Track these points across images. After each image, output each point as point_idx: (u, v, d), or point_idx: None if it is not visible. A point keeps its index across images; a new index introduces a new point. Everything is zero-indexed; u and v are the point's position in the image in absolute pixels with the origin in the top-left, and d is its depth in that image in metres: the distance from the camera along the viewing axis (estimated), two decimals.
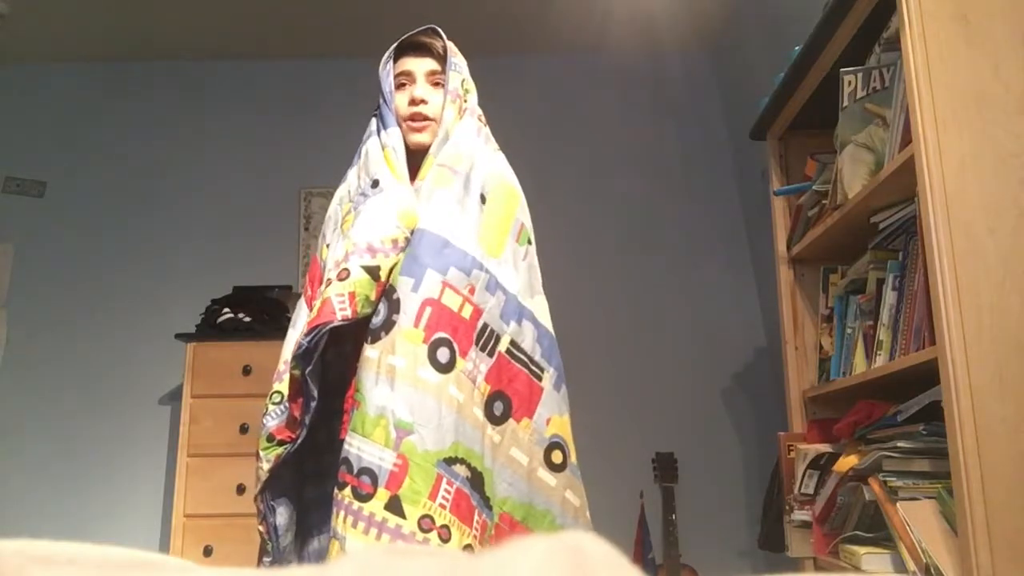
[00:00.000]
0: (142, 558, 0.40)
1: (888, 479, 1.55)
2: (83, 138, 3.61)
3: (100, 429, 3.30)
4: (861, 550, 1.65)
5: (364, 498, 1.33)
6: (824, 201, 2.01)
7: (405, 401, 1.37)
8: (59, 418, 3.31)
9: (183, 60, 3.66)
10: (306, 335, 1.40)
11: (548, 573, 0.33)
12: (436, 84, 1.63)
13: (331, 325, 1.39)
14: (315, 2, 3.28)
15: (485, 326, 1.47)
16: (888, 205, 1.73)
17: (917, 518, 1.47)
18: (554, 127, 3.59)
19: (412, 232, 1.48)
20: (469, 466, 1.39)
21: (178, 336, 3.02)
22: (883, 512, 1.57)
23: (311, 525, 1.54)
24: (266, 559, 1.49)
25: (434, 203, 1.51)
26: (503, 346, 1.49)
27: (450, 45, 1.65)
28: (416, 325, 1.41)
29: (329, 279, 1.46)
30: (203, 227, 3.52)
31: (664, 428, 3.26)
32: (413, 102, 1.59)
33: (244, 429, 2.82)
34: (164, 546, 3.07)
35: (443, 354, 1.41)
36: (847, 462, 1.70)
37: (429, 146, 1.59)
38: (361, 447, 1.36)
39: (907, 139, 1.52)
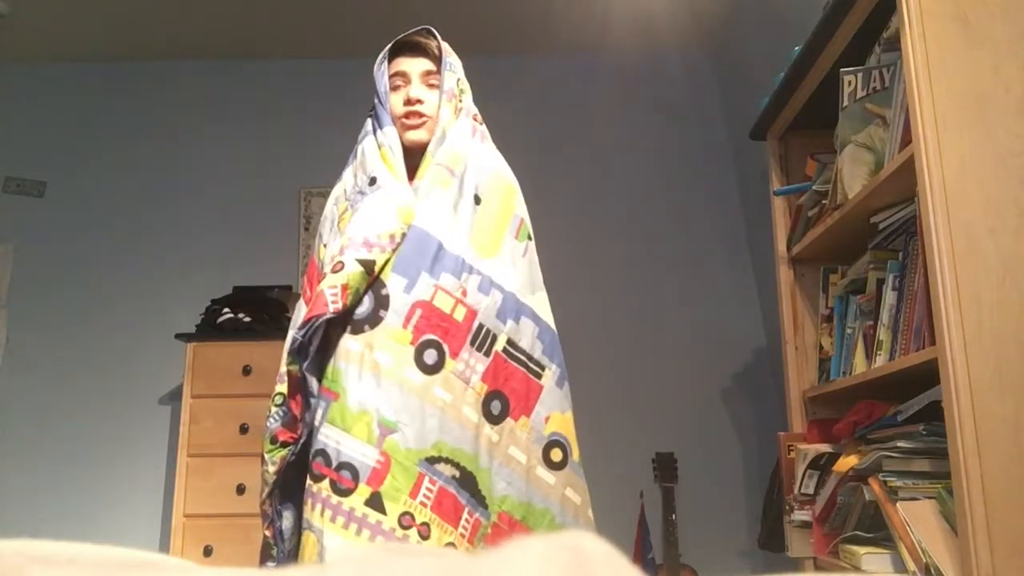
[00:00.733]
0: (142, 558, 0.40)
1: (888, 479, 1.55)
2: (83, 138, 3.61)
3: (100, 429, 3.30)
4: (861, 550, 1.65)
5: (344, 493, 1.33)
6: (824, 201, 2.00)
7: (390, 400, 1.37)
8: (59, 418, 3.30)
9: (183, 60, 3.66)
10: (299, 328, 1.41)
11: (548, 573, 0.33)
12: (431, 84, 1.63)
13: (324, 318, 1.39)
14: (315, 2, 3.28)
15: (481, 326, 1.47)
16: (888, 205, 1.73)
17: (917, 518, 1.47)
18: (554, 127, 3.59)
19: (408, 228, 1.48)
20: (456, 465, 1.39)
21: (178, 336, 3.02)
22: (883, 512, 1.57)
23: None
24: (270, 564, 1.48)
25: (431, 203, 1.51)
26: (499, 345, 1.49)
27: (445, 45, 1.65)
28: (405, 326, 1.41)
29: (324, 273, 1.47)
30: (203, 227, 3.52)
31: (664, 428, 3.26)
32: (408, 102, 1.60)
33: (244, 429, 2.82)
34: (164, 546, 3.07)
35: (430, 356, 1.42)
36: (847, 462, 1.70)
37: (426, 144, 1.59)
38: (340, 440, 1.36)
39: (907, 139, 1.52)
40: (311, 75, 3.66)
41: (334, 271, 1.42)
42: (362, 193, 1.53)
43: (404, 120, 1.60)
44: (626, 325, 3.40)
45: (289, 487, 1.49)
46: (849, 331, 1.94)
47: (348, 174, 1.64)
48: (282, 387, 1.50)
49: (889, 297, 1.69)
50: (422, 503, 1.35)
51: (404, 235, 1.47)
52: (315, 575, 0.36)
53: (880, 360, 1.70)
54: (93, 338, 3.39)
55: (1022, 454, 1.29)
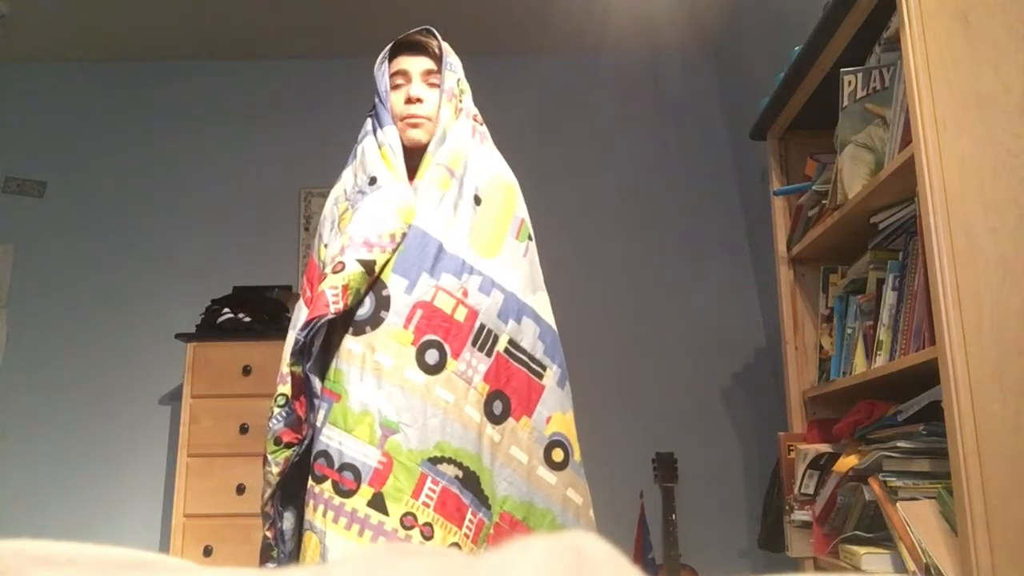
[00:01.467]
0: (142, 558, 0.40)
1: (888, 479, 1.55)
2: (83, 138, 3.61)
3: (100, 429, 3.30)
4: (861, 550, 1.65)
5: (346, 494, 1.33)
6: (824, 201, 2.00)
7: (391, 401, 1.37)
8: (59, 418, 3.30)
9: (183, 60, 3.66)
10: (301, 330, 1.41)
11: (548, 573, 0.33)
12: (432, 84, 1.63)
13: (326, 318, 1.39)
14: (315, 2, 3.28)
15: (482, 327, 1.47)
16: (888, 205, 1.73)
17: (917, 518, 1.47)
18: (554, 127, 3.59)
19: (409, 228, 1.48)
20: (460, 465, 1.39)
21: (178, 336, 3.02)
22: (883, 512, 1.57)
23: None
24: (270, 565, 1.48)
25: (431, 203, 1.51)
26: (501, 345, 1.50)
27: (445, 45, 1.65)
28: (406, 327, 1.41)
29: (325, 273, 1.46)
30: (203, 227, 3.52)
31: (664, 428, 3.26)
32: (409, 101, 1.59)
33: (244, 429, 2.82)
34: (164, 546, 3.07)
35: (432, 356, 1.41)
36: (847, 462, 1.70)
37: (426, 144, 1.59)
38: (343, 441, 1.36)
39: (907, 139, 1.52)
40: (311, 75, 3.66)
41: (335, 271, 1.42)
42: (362, 193, 1.53)
43: (405, 120, 1.60)
44: (626, 325, 3.40)
45: (290, 488, 1.49)
46: (849, 331, 1.94)
47: (348, 174, 1.63)
48: (284, 388, 1.50)
49: (889, 297, 1.69)
50: (424, 503, 1.35)
51: (404, 234, 1.47)
52: (316, 575, 0.36)
53: (880, 360, 1.70)
54: (93, 338, 3.39)
55: (1022, 454, 1.29)
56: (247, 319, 2.97)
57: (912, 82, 1.44)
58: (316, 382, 1.42)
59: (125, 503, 3.24)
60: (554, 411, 1.52)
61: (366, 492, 1.33)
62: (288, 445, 1.47)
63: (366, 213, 1.48)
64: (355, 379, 1.38)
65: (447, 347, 1.43)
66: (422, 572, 0.34)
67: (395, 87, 1.63)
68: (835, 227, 1.92)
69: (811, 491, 1.93)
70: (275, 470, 1.46)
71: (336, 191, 1.65)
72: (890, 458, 1.56)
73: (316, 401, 1.42)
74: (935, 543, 1.42)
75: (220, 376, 2.88)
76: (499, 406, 1.47)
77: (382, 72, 1.64)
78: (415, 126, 1.60)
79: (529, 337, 1.54)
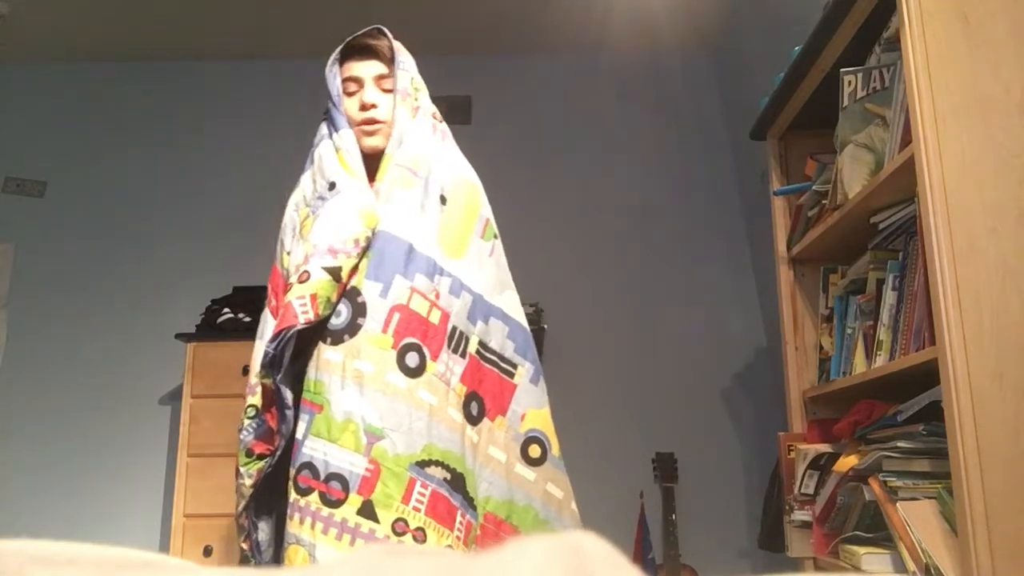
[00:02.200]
0: (142, 558, 0.40)
1: (888, 479, 1.55)
2: (83, 138, 3.61)
3: (100, 429, 3.30)
4: (861, 550, 1.65)
5: (335, 504, 1.32)
6: (824, 201, 2.00)
7: (375, 407, 1.36)
8: (59, 418, 3.30)
9: (183, 60, 3.66)
10: (271, 342, 1.39)
11: (548, 573, 0.33)
12: (385, 89, 1.61)
13: (295, 329, 1.38)
14: (315, 2, 3.28)
15: (455, 329, 1.47)
16: (888, 205, 1.73)
17: (917, 518, 1.47)
18: (554, 127, 3.59)
19: (374, 232, 1.46)
20: (447, 467, 1.38)
21: (178, 336, 3.02)
22: (883, 512, 1.57)
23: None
24: None
25: (396, 205, 1.49)
26: (472, 347, 1.49)
27: (397, 44, 1.62)
28: (385, 331, 1.40)
29: (291, 283, 1.44)
30: (203, 227, 3.52)
31: (664, 428, 3.26)
32: (364, 107, 1.58)
33: None
34: (164, 546, 3.07)
35: (412, 359, 1.40)
36: (847, 462, 1.70)
37: (383, 149, 1.57)
38: (328, 452, 1.34)
39: (907, 139, 1.52)
40: (311, 75, 3.64)
41: (301, 281, 1.41)
42: (322, 199, 1.51)
43: (361, 127, 1.58)
44: (626, 325, 3.40)
45: (263, 499, 1.48)
46: (849, 331, 1.94)
47: (306, 179, 1.61)
48: (253, 399, 1.48)
49: (889, 297, 1.69)
50: (415, 508, 1.34)
51: (368, 239, 1.45)
52: (315, 575, 0.36)
53: (880, 360, 1.70)
54: (93, 338, 3.39)
55: (1022, 454, 1.29)
56: (247, 319, 2.97)
57: (912, 82, 1.44)
58: (287, 393, 1.40)
59: (125, 503, 3.24)
60: (528, 408, 1.52)
61: (355, 501, 1.32)
62: (260, 456, 1.46)
63: (328, 220, 1.46)
64: (336, 388, 1.37)
65: (426, 349, 1.42)
66: (420, 573, 0.34)
67: (348, 93, 1.61)
68: (835, 227, 1.92)
69: (811, 491, 1.93)
70: (248, 482, 1.45)
71: (295, 197, 1.63)
72: (890, 458, 1.56)
73: (287, 412, 1.41)
74: (935, 543, 1.42)
75: (220, 376, 2.88)
76: (475, 407, 1.47)
77: (333, 75, 1.62)
78: (372, 133, 1.58)
79: (498, 337, 1.53)
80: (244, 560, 1.48)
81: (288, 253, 1.58)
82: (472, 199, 1.59)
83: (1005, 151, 1.39)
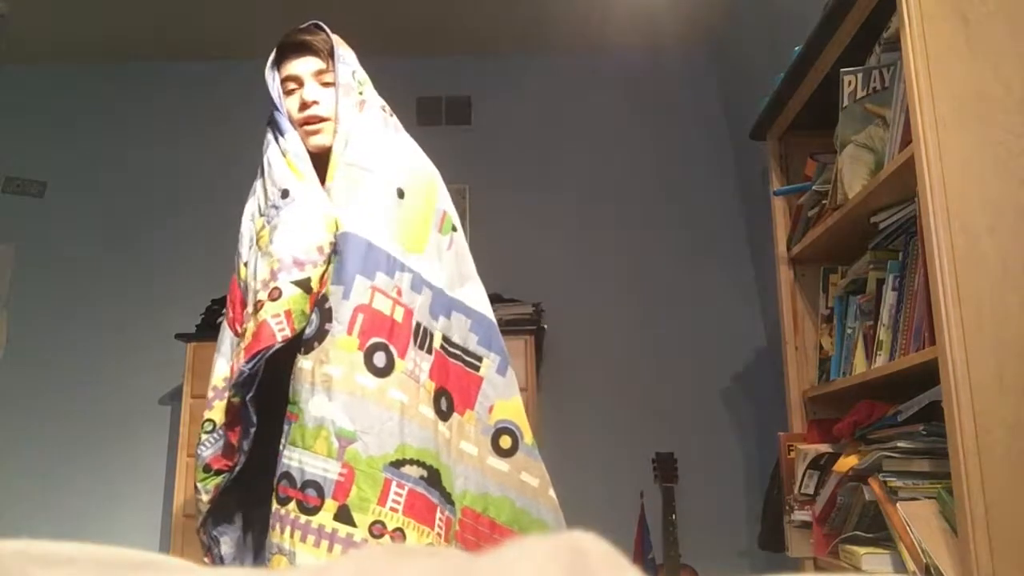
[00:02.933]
0: (142, 558, 0.40)
1: (888, 479, 1.55)
2: (83, 138, 3.61)
3: (100, 429, 3.30)
4: (861, 550, 1.65)
5: (311, 511, 1.31)
6: (824, 201, 2.00)
7: (344, 409, 1.34)
8: (59, 418, 3.30)
9: (183, 60, 3.66)
10: (247, 361, 1.37)
11: (548, 573, 0.33)
12: (325, 83, 1.57)
13: (274, 348, 1.36)
14: (314, 2, 3.28)
15: (419, 325, 1.45)
16: (888, 205, 1.73)
17: (917, 518, 1.47)
18: (554, 127, 3.59)
19: (336, 236, 1.44)
20: (423, 465, 1.37)
21: (178, 336, 3.02)
22: (883, 512, 1.57)
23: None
24: None
25: (351, 204, 1.46)
26: (437, 342, 1.48)
27: (335, 38, 1.59)
28: (350, 333, 1.38)
29: (260, 300, 1.41)
30: (203, 227, 3.52)
31: (664, 428, 3.26)
32: (304, 105, 1.55)
33: None
34: (164, 546, 3.07)
35: (380, 358, 1.39)
36: (847, 462, 1.70)
37: (330, 147, 1.53)
38: (303, 459, 1.33)
39: (907, 139, 1.52)
40: None
41: (272, 299, 1.39)
42: (276, 207, 1.48)
43: (304, 127, 1.55)
44: (626, 325, 3.40)
45: (227, 512, 1.47)
46: (849, 331, 1.94)
47: (259, 188, 1.58)
48: (211, 414, 1.47)
49: (889, 297, 1.69)
50: (392, 509, 1.33)
51: (332, 244, 1.43)
52: (316, 574, 0.36)
53: (880, 360, 1.70)
54: (93, 338, 3.39)
55: (1022, 454, 1.29)
56: None
57: (912, 82, 1.44)
58: (253, 414, 1.39)
59: (125, 503, 3.24)
60: (496, 399, 1.51)
61: (331, 507, 1.31)
62: (218, 472, 1.44)
63: (287, 230, 1.44)
64: (306, 396, 1.36)
65: (393, 348, 1.40)
66: (421, 572, 0.34)
67: (288, 92, 1.57)
68: (835, 227, 1.92)
69: (811, 491, 1.93)
70: (205, 498, 1.44)
71: (250, 207, 1.60)
72: (890, 458, 1.56)
73: (251, 430, 1.39)
74: (935, 543, 1.42)
75: None
76: (444, 402, 1.46)
77: (272, 77, 1.59)
78: (316, 132, 1.55)
79: (461, 331, 1.52)
80: None
81: (245, 264, 1.55)
82: (429, 192, 1.56)
83: (1005, 151, 1.39)
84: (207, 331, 2.98)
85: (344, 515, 1.31)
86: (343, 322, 1.38)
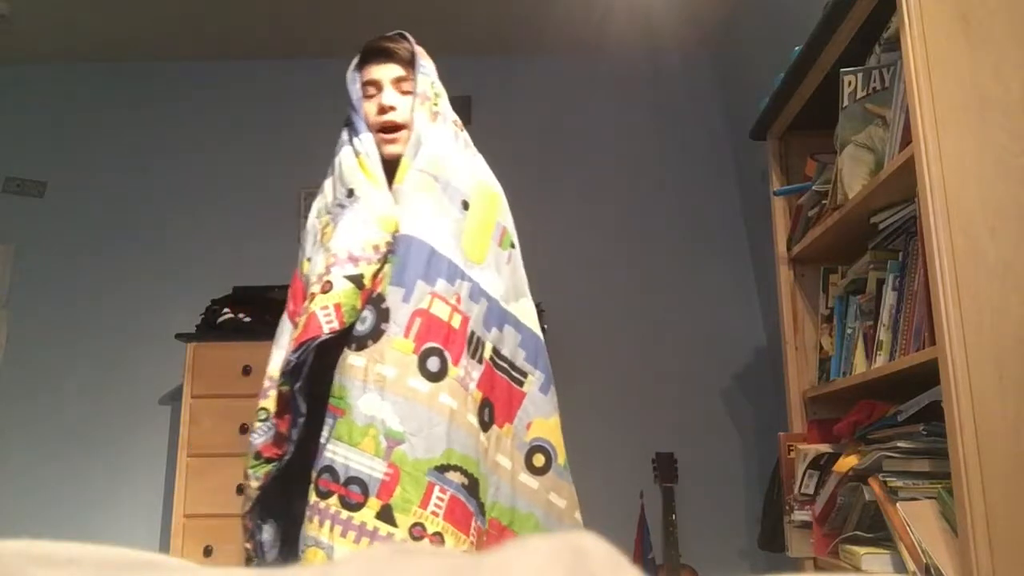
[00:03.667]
0: (142, 558, 0.40)
1: (888, 479, 1.55)
2: (83, 138, 3.61)
3: (100, 429, 3.30)
4: (861, 550, 1.65)
5: (354, 507, 1.32)
6: (824, 201, 2.01)
7: (396, 410, 1.36)
8: (59, 418, 3.30)
9: (182, 60, 3.66)
10: (294, 351, 1.40)
11: (549, 573, 0.33)
12: (404, 91, 1.60)
13: (320, 339, 1.38)
14: (314, 2, 3.28)
15: (473, 334, 1.48)
16: (888, 205, 1.73)
17: (917, 518, 1.47)
18: (554, 127, 3.59)
19: (394, 237, 1.47)
20: (465, 473, 1.39)
21: (178, 336, 3.02)
22: (883, 512, 1.57)
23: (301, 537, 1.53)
24: None
25: (416, 209, 1.49)
26: (487, 353, 1.50)
27: (418, 49, 1.62)
28: (407, 335, 1.40)
29: (313, 292, 1.44)
30: (203, 227, 3.52)
31: (664, 428, 3.26)
32: (382, 110, 1.57)
33: (244, 429, 2.81)
34: (164, 546, 3.07)
35: (433, 363, 1.41)
36: (847, 462, 1.70)
37: (402, 154, 1.57)
38: (348, 456, 1.35)
39: (907, 139, 1.52)
40: (311, 75, 3.65)
41: (324, 291, 1.41)
42: (341, 206, 1.52)
43: (381, 134, 1.58)
44: (626, 325, 3.40)
45: (269, 502, 1.48)
46: (849, 331, 1.94)
47: (328, 186, 1.62)
48: (266, 403, 1.49)
49: (889, 297, 1.69)
50: (433, 513, 1.34)
51: (389, 244, 1.46)
52: (318, 575, 0.36)
53: (880, 360, 1.70)
54: (93, 338, 3.39)
55: (1022, 454, 1.29)
56: (247, 319, 2.97)
57: (912, 82, 1.44)
58: (302, 403, 1.41)
59: (125, 503, 3.24)
60: (535, 417, 1.53)
61: (374, 505, 1.33)
62: (268, 460, 1.46)
63: (347, 227, 1.47)
64: (357, 393, 1.38)
65: (447, 354, 1.42)
66: (423, 572, 0.34)
67: (367, 97, 1.60)
68: (835, 227, 1.92)
69: (811, 491, 1.93)
70: (254, 484, 1.45)
71: (318, 204, 1.63)
72: (890, 458, 1.56)
73: (300, 420, 1.41)
74: (935, 543, 1.42)
75: (220, 376, 2.88)
76: (487, 413, 1.48)
77: (352, 80, 1.62)
78: (392, 141, 1.58)
79: (510, 345, 1.54)
80: (247, 561, 1.49)
81: (308, 259, 1.58)
82: (491, 207, 1.60)
83: (1005, 151, 1.39)
84: (207, 331, 2.98)
85: (386, 514, 1.32)
86: (400, 324, 1.41)
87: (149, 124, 3.63)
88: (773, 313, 2.70)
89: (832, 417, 1.98)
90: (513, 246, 1.62)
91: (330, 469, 1.35)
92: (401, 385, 1.38)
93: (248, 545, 1.48)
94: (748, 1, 3.09)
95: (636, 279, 3.45)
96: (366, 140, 1.57)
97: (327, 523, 1.33)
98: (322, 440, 1.40)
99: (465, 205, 1.54)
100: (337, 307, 1.40)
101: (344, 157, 1.58)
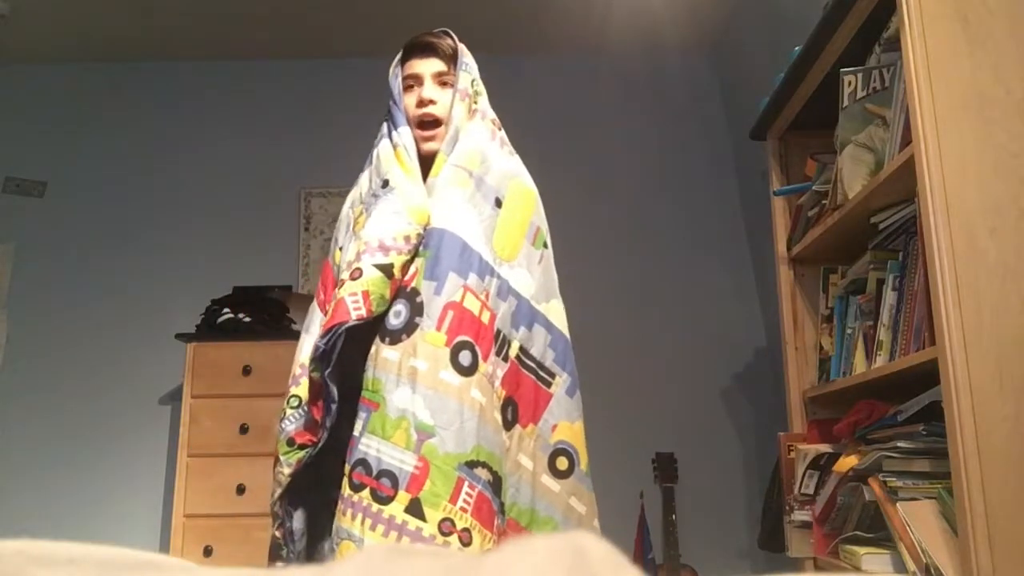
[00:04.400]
0: (142, 558, 0.40)
1: (888, 479, 1.55)
2: (83, 138, 3.61)
3: (100, 429, 3.30)
4: (861, 550, 1.65)
5: (384, 500, 1.33)
6: (824, 201, 2.00)
7: (427, 403, 1.37)
8: (59, 418, 3.30)
9: (183, 60, 3.66)
10: (322, 337, 1.40)
11: (549, 573, 0.33)
12: (443, 84, 1.62)
13: (347, 325, 1.39)
14: (316, 2, 3.28)
15: (499, 331, 1.48)
16: (888, 205, 1.73)
17: (917, 518, 1.47)
18: (554, 128, 3.59)
19: (426, 229, 1.48)
20: (490, 470, 1.39)
21: (178, 336, 3.02)
22: (883, 512, 1.57)
23: (326, 527, 1.53)
24: (279, 564, 1.48)
25: (448, 202, 1.51)
26: (513, 351, 1.50)
27: (461, 46, 1.65)
28: (439, 328, 1.41)
29: (342, 279, 1.46)
30: (203, 227, 3.52)
31: (664, 428, 3.26)
32: (421, 103, 1.59)
33: (244, 429, 2.82)
34: (164, 546, 3.07)
35: (465, 357, 1.41)
36: (847, 462, 1.70)
37: (439, 149, 1.59)
38: (380, 449, 1.35)
39: (907, 139, 1.52)
40: (311, 75, 3.66)
41: (352, 278, 1.42)
42: (376, 196, 1.53)
43: (419, 130, 1.60)
44: (626, 325, 3.40)
45: (298, 490, 1.48)
46: (849, 331, 1.94)
47: (364, 178, 1.63)
48: (297, 390, 1.50)
49: (889, 297, 1.69)
50: (462, 508, 1.34)
51: (420, 235, 1.47)
52: (318, 575, 0.36)
53: (880, 360, 1.70)
54: (93, 338, 3.39)
55: (1022, 454, 1.29)
56: (247, 319, 2.97)
57: (912, 82, 1.44)
58: (334, 388, 1.41)
59: (125, 503, 3.24)
60: (560, 420, 1.52)
61: (403, 498, 1.32)
62: (301, 447, 1.46)
63: (379, 217, 1.48)
64: (391, 387, 1.38)
65: (478, 348, 1.43)
66: (422, 572, 0.34)
67: (407, 89, 1.63)
68: (835, 227, 1.92)
69: (811, 491, 1.93)
70: (286, 471, 1.46)
71: (353, 195, 1.65)
72: (890, 458, 1.56)
73: (332, 406, 1.42)
74: (935, 543, 1.42)
75: (220, 376, 2.88)
76: (510, 412, 1.48)
77: (395, 75, 1.64)
78: (429, 139, 1.59)
79: (539, 345, 1.54)
80: (276, 548, 1.49)
81: (340, 249, 1.59)
82: (526, 205, 1.61)
83: (1005, 151, 1.39)
84: (207, 331, 2.98)
85: (415, 508, 1.33)
86: (433, 317, 1.41)
87: (149, 124, 3.63)
88: (773, 313, 2.70)
89: (832, 417, 1.97)
90: (546, 246, 1.64)
91: (364, 462, 1.36)
92: (432, 378, 1.38)
93: (278, 533, 1.48)
94: (748, 1, 3.09)
95: (636, 278, 3.45)
96: (404, 133, 1.58)
97: (359, 516, 1.33)
98: (356, 433, 1.40)
99: (498, 203, 1.55)
100: (365, 294, 1.40)
101: (382, 149, 1.60)
